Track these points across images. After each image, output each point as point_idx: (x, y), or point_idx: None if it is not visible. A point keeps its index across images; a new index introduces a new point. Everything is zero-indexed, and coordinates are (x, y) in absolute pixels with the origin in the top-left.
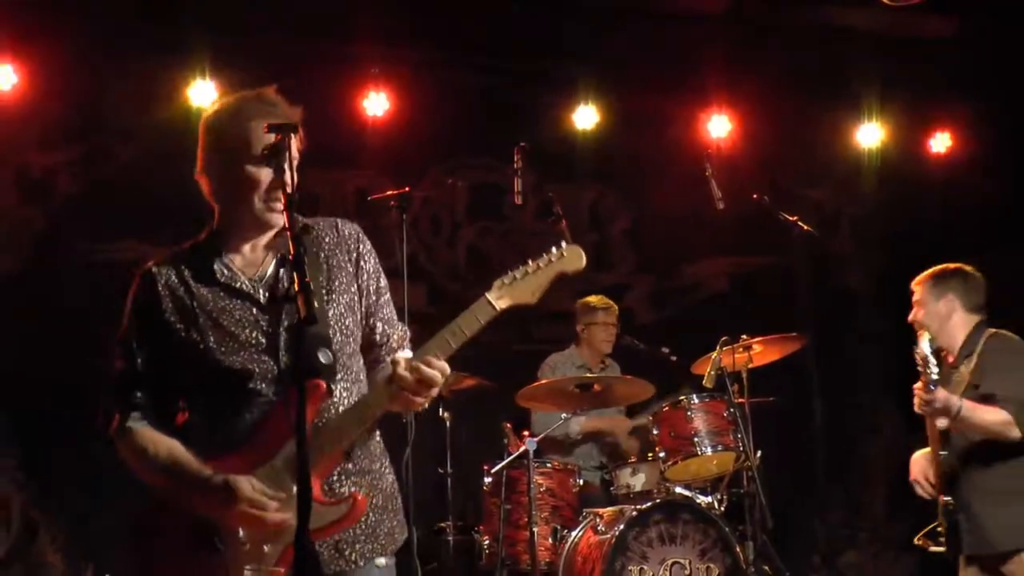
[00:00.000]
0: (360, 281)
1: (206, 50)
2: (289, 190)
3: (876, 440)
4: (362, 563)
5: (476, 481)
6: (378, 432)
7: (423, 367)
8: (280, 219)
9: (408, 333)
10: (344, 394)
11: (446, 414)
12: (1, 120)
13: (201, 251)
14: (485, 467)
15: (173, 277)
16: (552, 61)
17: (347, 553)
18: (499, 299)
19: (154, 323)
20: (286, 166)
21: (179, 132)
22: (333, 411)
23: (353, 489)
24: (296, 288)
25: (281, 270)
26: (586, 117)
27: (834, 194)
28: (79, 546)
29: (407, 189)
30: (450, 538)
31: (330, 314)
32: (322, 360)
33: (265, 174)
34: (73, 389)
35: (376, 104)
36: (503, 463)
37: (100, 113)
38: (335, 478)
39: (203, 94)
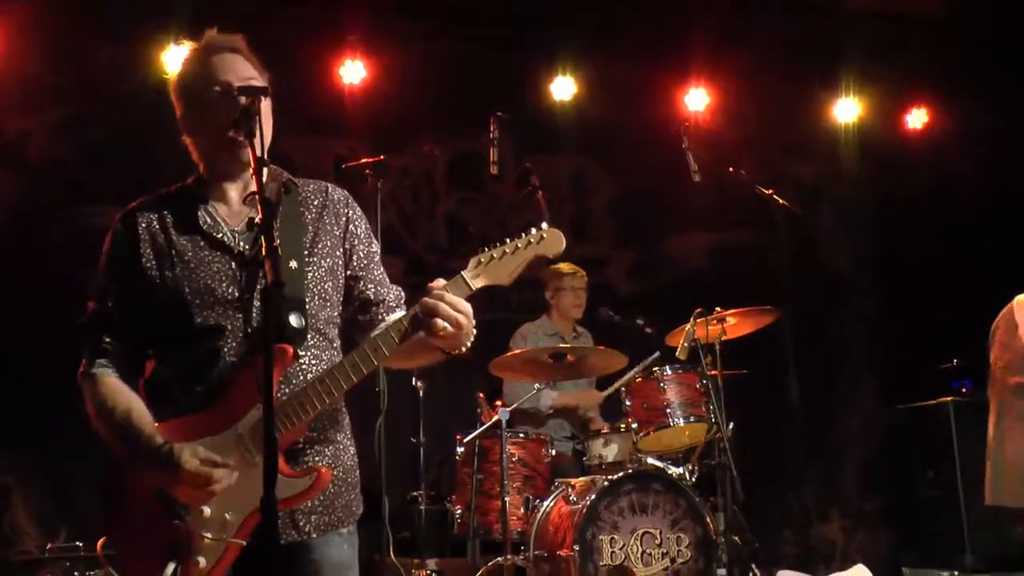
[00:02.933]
0: (347, 245)
1: (184, 14)
2: (259, 153)
3: (852, 417)
4: (316, 535)
5: (449, 450)
6: (344, 404)
7: (446, 295)
8: (248, 155)
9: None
10: (313, 361)
11: (419, 383)
12: None
13: (187, 196)
14: (458, 436)
15: (155, 222)
16: (532, 30)
17: (302, 524)
18: (475, 278)
19: (131, 268)
20: (256, 130)
21: (156, 96)
22: (301, 377)
23: (316, 459)
24: (264, 253)
25: (254, 231)
26: (564, 88)
27: (815, 170)
28: (52, 512)
29: (382, 157)
30: (422, 507)
31: (308, 277)
32: (293, 324)
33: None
34: (49, 356)
35: (352, 72)
36: (475, 433)
37: (77, 76)
38: (299, 446)
39: (179, 59)
